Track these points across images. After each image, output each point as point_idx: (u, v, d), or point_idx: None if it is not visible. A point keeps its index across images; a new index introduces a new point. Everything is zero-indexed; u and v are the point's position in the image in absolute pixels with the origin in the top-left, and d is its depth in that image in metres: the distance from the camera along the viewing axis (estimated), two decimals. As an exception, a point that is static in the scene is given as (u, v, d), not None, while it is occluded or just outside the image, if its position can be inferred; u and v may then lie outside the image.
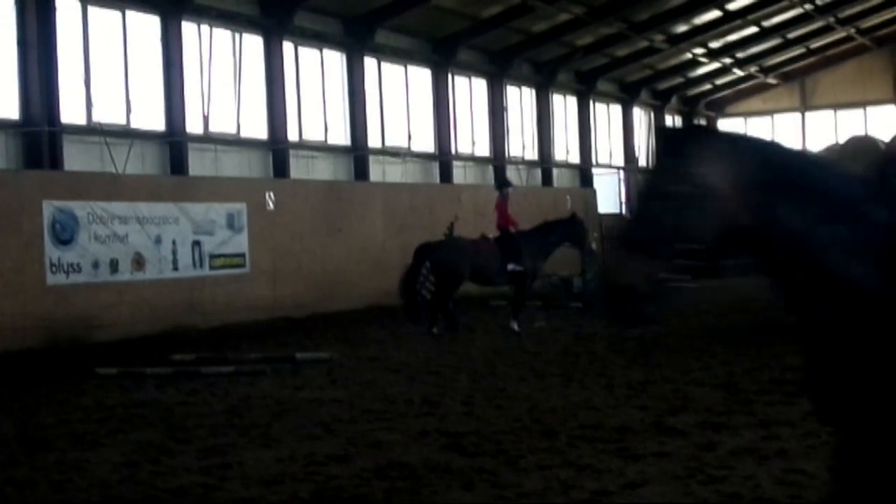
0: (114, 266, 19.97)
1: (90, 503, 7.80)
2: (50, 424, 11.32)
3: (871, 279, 4.28)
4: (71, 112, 20.75)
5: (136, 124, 22.29)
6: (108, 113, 21.66)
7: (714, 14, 36.23)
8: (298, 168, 26.15)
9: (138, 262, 20.48)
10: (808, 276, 4.44)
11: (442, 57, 30.81)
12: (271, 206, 23.71)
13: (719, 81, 45.40)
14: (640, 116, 42.93)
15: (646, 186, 4.52)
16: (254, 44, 25.25)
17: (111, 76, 21.82)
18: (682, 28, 36.80)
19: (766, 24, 38.93)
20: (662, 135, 4.75)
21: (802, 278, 4.47)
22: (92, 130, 21.23)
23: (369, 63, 28.56)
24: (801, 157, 4.76)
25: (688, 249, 4.42)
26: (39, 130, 19.88)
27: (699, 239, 4.41)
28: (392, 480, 8.13)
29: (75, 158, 20.73)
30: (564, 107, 38.03)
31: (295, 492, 7.89)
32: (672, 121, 45.74)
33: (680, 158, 4.45)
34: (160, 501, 7.81)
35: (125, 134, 21.90)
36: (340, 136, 27.81)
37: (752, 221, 4.43)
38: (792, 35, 41.21)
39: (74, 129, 20.87)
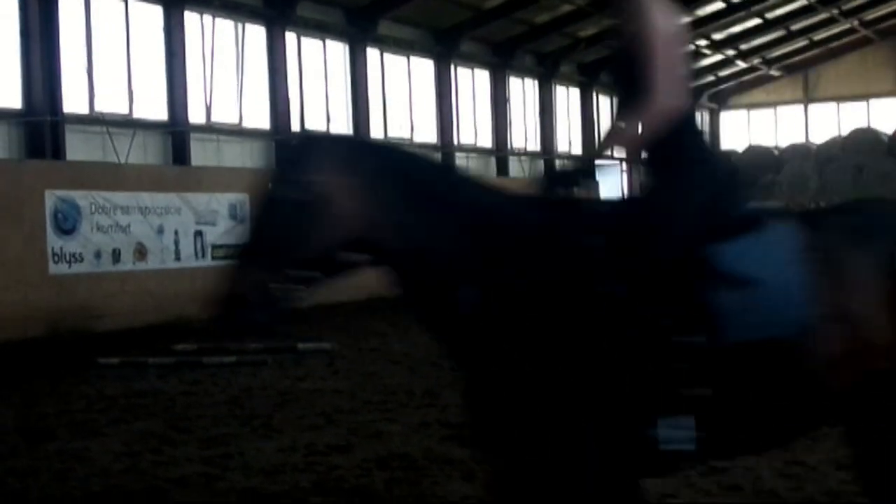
0: (116, 256, 19.99)
1: (92, 493, 7.82)
2: (51, 414, 11.34)
3: (470, 292, 4.35)
4: (73, 102, 20.73)
5: (138, 114, 22.27)
6: (111, 103, 21.64)
7: (717, 5, 36.17)
8: (301, 159, 26.10)
9: (140, 252, 20.50)
10: (425, 287, 4.60)
11: (445, 48, 30.78)
12: (273, 196, 23.67)
13: (722, 73, 45.31)
14: (642, 108, 42.82)
15: (262, 195, 4.46)
16: (256, 34, 25.23)
17: (114, 66, 21.79)
18: (684, 20, 36.66)
19: (769, 15, 38.86)
20: (280, 145, 4.74)
21: (421, 288, 4.65)
22: (94, 120, 21.22)
23: (372, 54, 28.54)
24: (427, 167, 4.71)
25: (304, 258, 4.39)
26: (42, 120, 19.87)
27: (315, 247, 4.39)
28: (393, 471, 8.14)
29: (77, 148, 20.72)
30: (567, 98, 38.01)
31: (296, 482, 7.90)
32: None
33: (297, 166, 4.41)
34: (162, 491, 7.82)
35: (127, 124, 21.89)
36: (343, 126, 27.77)
37: (367, 230, 4.44)
38: (795, 27, 41.13)
39: (77, 119, 20.86)
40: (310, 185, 4.33)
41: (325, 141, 4.83)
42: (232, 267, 4.52)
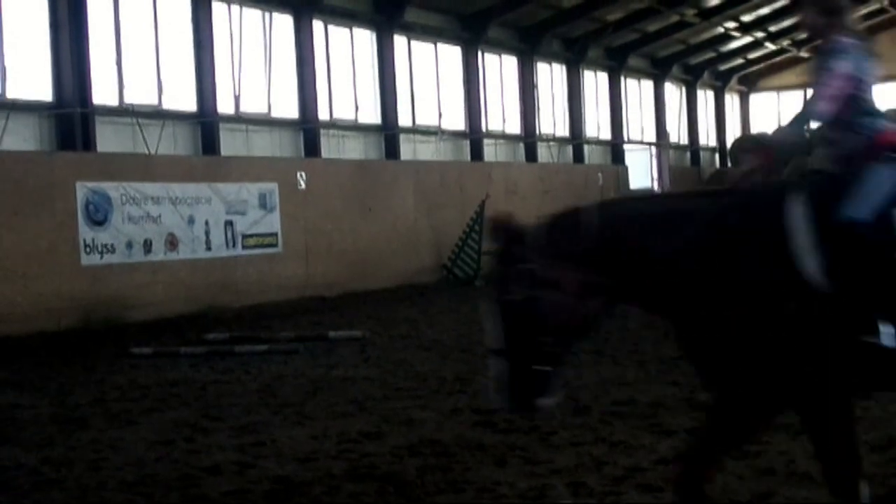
0: (147, 246, 20.10)
1: (126, 482, 7.87)
2: (85, 404, 11.43)
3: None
4: (103, 93, 20.83)
5: (167, 105, 22.36)
6: (140, 94, 21.74)
7: (746, -13, 36.00)
8: (329, 147, 26.18)
9: (171, 242, 20.60)
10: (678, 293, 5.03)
11: (472, 34, 30.72)
12: (303, 185, 23.78)
13: (752, 56, 45.03)
14: (671, 92, 42.69)
15: (491, 299, 4.97)
16: (284, 23, 25.26)
17: (142, 57, 21.89)
18: (713, 2, 36.50)
19: (798, -4, 38.56)
20: (499, 241, 5.06)
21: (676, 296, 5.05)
22: (124, 112, 21.32)
23: (399, 41, 28.52)
24: (629, 205, 5.42)
25: (551, 345, 4.91)
26: (72, 112, 19.98)
27: (559, 334, 4.93)
28: (425, 457, 8.15)
29: (108, 140, 20.83)
30: (595, 83, 37.86)
31: (329, 469, 7.93)
32: (704, 96, 45.48)
33: (514, 263, 4.93)
34: (195, 479, 7.86)
35: (157, 115, 21.98)
36: (371, 114, 27.81)
37: (611, 294, 5.00)
38: (825, 8, 40.74)
39: (106, 111, 20.96)
40: (534, 280, 4.84)
41: (524, 231, 5.15)
42: (493, 367, 5.03)
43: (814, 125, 5.39)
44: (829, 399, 5.06)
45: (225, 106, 23.54)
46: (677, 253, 4.99)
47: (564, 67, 35.87)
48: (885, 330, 4.85)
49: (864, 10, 41.61)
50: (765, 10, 39.17)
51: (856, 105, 5.35)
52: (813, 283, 4.86)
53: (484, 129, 31.67)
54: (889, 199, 5.05)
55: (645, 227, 5.10)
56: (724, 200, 5.25)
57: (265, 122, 24.80)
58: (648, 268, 5.02)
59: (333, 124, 26.53)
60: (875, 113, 5.37)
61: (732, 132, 46.65)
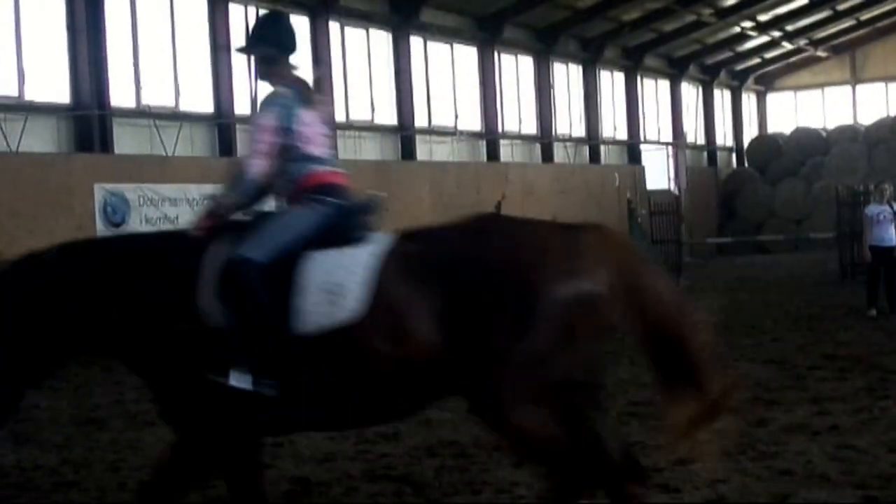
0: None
1: (144, 482, 7.88)
2: (104, 405, 11.47)
3: None
4: (120, 95, 20.91)
5: (184, 107, 22.44)
6: (157, 96, 21.82)
7: (763, -13, 35.90)
8: (346, 148, 26.20)
9: (189, 243, 20.63)
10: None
11: (488, 34, 30.71)
12: (319, 186, 23.78)
13: (768, 55, 44.90)
14: (688, 92, 42.61)
15: None
16: (300, 24, 25.28)
17: (159, 59, 21.96)
18: (730, 1, 36.42)
19: (815, -5, 38.48)
20: None
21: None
22: (141, 113, 21.40)
23: (415, 42, 28.55)
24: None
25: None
26: (89, 114, 20.05)
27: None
28: (442, 458, 8.16)
29: (125, 141, 20.91)
30: (612, 83, 37.80)
31: (346, 470, 7.95)
32: (721, 96, 45.36)
33: None
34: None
35: (174, 117, 22.05)
36: (387, 115, 27.84)
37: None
38: (842, 7, 40.65)
39: (124, 113, 21.04)
40: None
41: None
42: None
43: (254, 180, 5.63)
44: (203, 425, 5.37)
45: (242, 107, 23.58)
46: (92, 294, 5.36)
47: (581, 67, 35.83)
48: (236, 372, 5.11)
49: (882, 9, 41.52)
50: (781, 10, 39.04)
51: (287, 154, 5.62)
52: (204, 316, 5.17)
53: (500, 130, 31.66)
54: (298, 239, 5.37)
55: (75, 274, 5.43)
56: (165, 243, 5.79)
57: (282, 123, 24.80)
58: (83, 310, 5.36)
59: (350, 125, 26.56)
60: (306, 158, 5.65)
61: (749, 132, 46.55)
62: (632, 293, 5.11)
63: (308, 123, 5.67)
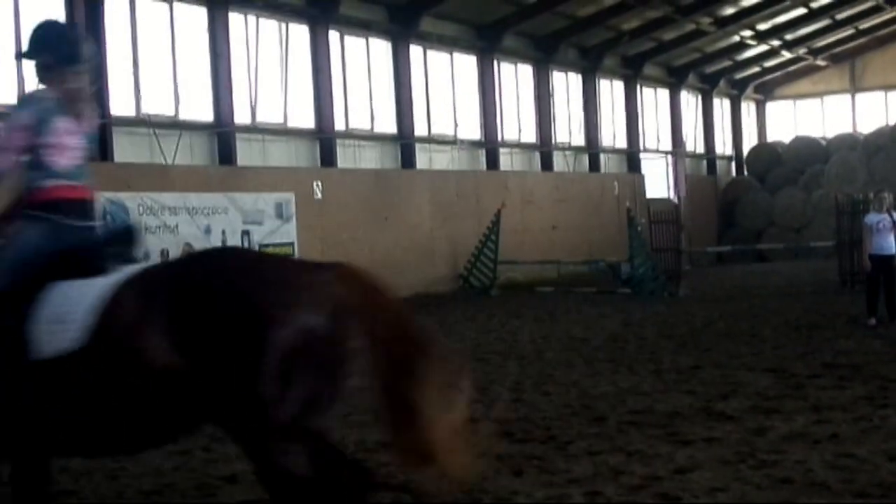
0: (164, 256, 20.14)
1: (143, 491, 7.89)
2: (103, 413, 11.43)
3: None
4: (120, 104, 20.93)
5: (184, 116, 22.46)
6: (157, 105, 21.84)
7: (762, -4, 35.93)
8: (345, 157, 26.24)
9: (189, 252, 20.66)
10: None
11: (487, 43, 30.75)
12: (319, 195, 23.83)
13: (768, 64, 44.95)
14: (687, 100, 42.64)
15: None
16: (300, 33, 25.34)
17: (159, 68, 21.98)
18: (729, 10, 36.47)
19: (814, 5, 38.49)
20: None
21: None
22: (141, 122, 21.41)
23: (415, 51, 28.58)
24: None
25: None
26: (89, 123, 20.04)
27: None
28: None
29: (125, 150, 20.92)
30: (611, 92, 37.84)
31: (345, 478, 7.92)
32: (721, 104, 45.39)
33: None
34: (213, 488, 7.88)
35: (174, 125, 22.07)
36: (387, 124, 27.86)
37: None
38: (841, 16, 40.73)
39: (123, 122, 21.06)
40: None
41: None
42: None
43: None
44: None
45: (241, 116, 23.62)
46: None
47: (580, 76, 35.87)
48: None
49: (881, 18, 41.57)
50: (781, 19, 39.12)
51: (32, 158, 5.49)
52: None
53: (500, 139, 31.68)
54: (18, 262, 5.30)
55: None
56: None
57: (281, 131, 24.87)
58: None
59: (349, 134, 26.59)
60: (45, 170, 5.50)
61: (749, 140, 46.57)
62: (367, 325, 5.04)
63: (61, 133, 5.52)
